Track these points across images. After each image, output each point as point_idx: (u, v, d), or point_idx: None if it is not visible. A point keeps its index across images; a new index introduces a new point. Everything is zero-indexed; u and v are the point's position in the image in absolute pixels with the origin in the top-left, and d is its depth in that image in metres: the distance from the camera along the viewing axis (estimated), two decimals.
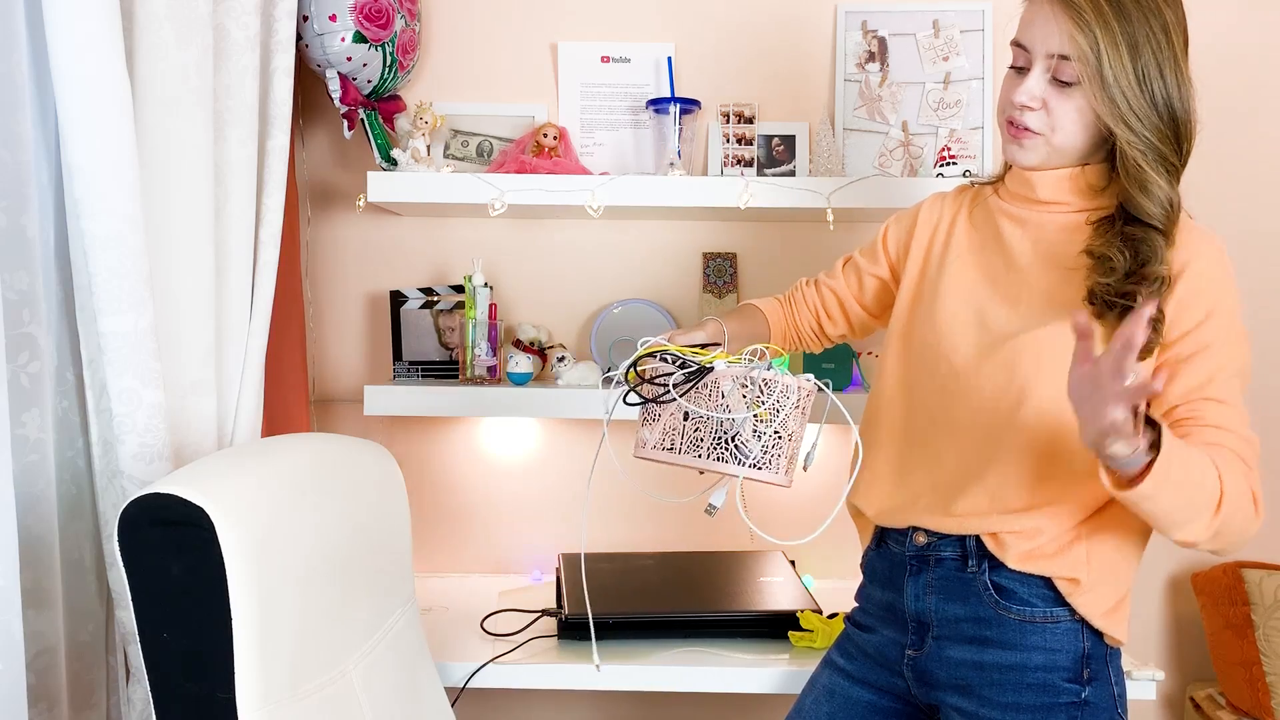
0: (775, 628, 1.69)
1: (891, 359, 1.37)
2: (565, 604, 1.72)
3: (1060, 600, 1.21)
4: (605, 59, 2.04)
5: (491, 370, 1.92)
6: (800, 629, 1.67)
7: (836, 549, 1.97)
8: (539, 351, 2.00)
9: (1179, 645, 2.10)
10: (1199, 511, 1.09)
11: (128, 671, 1.42)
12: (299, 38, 1.77)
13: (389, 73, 1.89)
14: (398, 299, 2.02)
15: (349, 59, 1.81)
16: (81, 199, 1.20)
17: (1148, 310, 0.97)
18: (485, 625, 1.77)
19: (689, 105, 1.90)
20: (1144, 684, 1.57)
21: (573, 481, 2.11)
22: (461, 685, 1.60)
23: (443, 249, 2.09)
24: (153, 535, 1.01)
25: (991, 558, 1.23)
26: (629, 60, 2.04)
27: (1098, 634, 1.23)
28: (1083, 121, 1.18)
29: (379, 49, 1.83)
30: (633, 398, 1.18)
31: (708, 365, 1.15)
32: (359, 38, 1.80)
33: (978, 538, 1.24)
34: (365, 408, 1.86)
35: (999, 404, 1.22)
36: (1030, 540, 1.21)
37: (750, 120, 2.01)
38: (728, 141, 2.00)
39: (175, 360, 1.38)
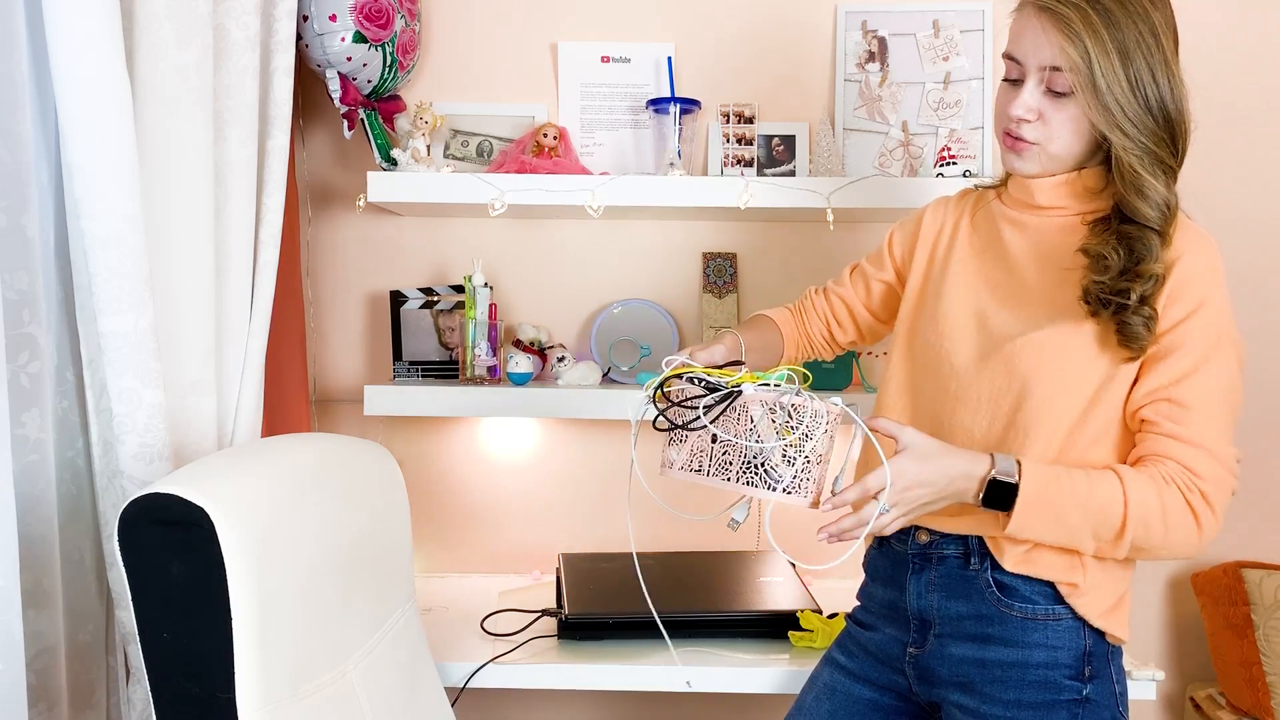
0: (775, 628, 1.69)
1: (896, 362, 1.37)
2: (565, 604, 1.72)
3: (1062, 598, 1.22)
4: (605, 59, 2.04)
5: (491, 370, 1.92)
6: (800, 629, 1.67)
7: (837, 548, 1.98)
8: (539, 351, 2.00)
9: (1179, 645, 2.10)
10: (1086, 538, 1.17)
11: (128, 671, 1.42)
12: (299, 38, 1.77)
13: (389, 73, 1.89)
14: (398, 299, 2.02)
15: (349, 59, 1.81)
16: (81, 199, 1.20)
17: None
18: (485, 625, 1.77)
19: (689, 105, 1.90)
20: (1144, 684, 1.57)
21: (573, 481, 2.11)
22: (461, 685, 1.60)
23: (443, 249, 2.09)
24: (153, 535, 1.01)
25: (993, 556, 1.24)
26: (629, 60, 2.04)
27: (1099, 632, 1.23)
28: (1078, 130, 1.19)
29: (379, 49, 1.83)
30: (663, 422, 1.18)
31: (736, 389, 1.15)
32: (359, 38, 1.80)
33: (980, 536, 1.24)
34: (365, 408, 1.86)
35: (999, 406, 1.22)
36: (1023, 544, 1.21)
37: (750, 120, 2.01)
38: (728, 141, 2.00)
39: (175, 360, 1.38)
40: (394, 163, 1.89)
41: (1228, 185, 2.02)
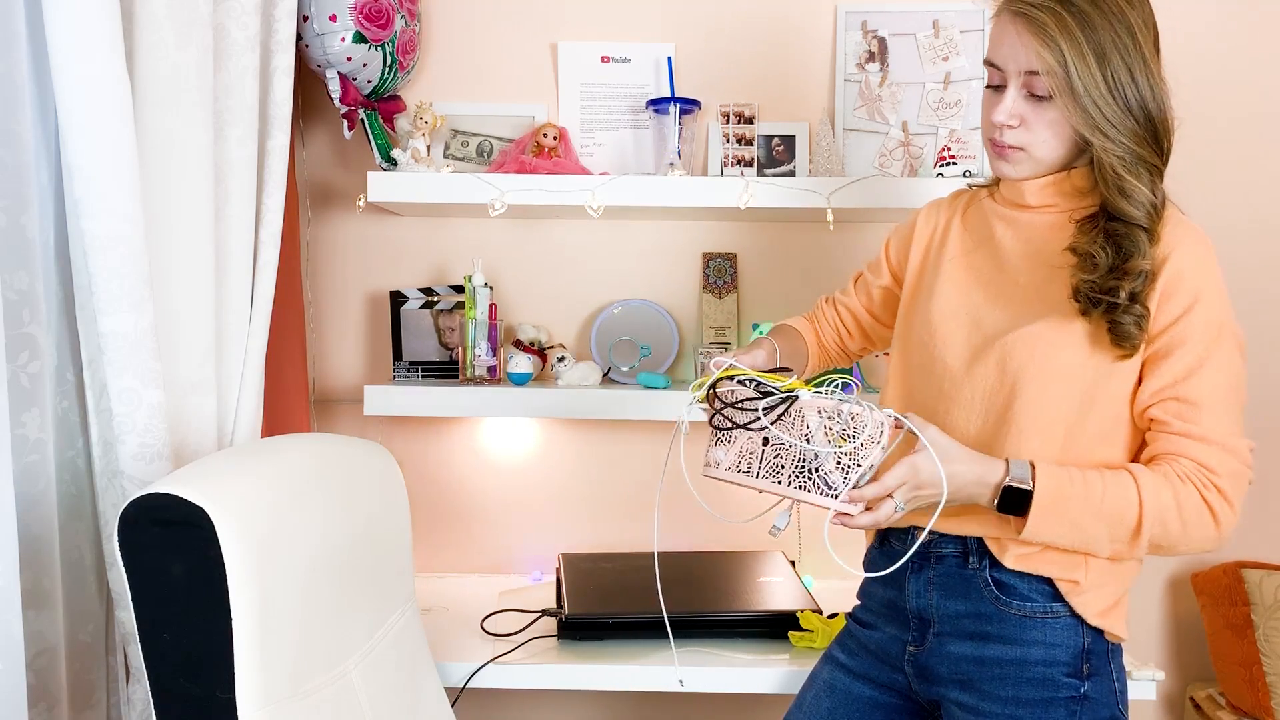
0: (775, 628, 1.69)
1: (894, 362, 1.38)
2: (565, 604, 1.72)
3: (1060, 596, 1.22)
4: (605, 59, 2.04)
5: (491, 370, 1.92)
6: (800, 629, 1.67)
7: (837, 549, 1.98)
8: (539, 351, 2.00)
9: (1179, 645, 2.10)
10: (1102, 540, 1.17)
11: (128, 671, 1.42)
12: (299, 38, 1.77)
13: (389, 73, 1.89)
14: (398, 299, 2.02)
15: (349, 59, 1.81)
16: (81, 199, 1.20)
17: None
18: (485, 625, 1.77)
19: (689, 105, 1.90)
20: (1144, 684, 1.57)
21: (573, 481, 2.11)
22: (461, 685, 1.60)
23: (443, 249, 2.09)
24: (153, 535, 1.01)
25: (992, 555, 1.24)
26: (629, 60, 2.04)
27: (1098, 630, 1.23)
28: (1061, 133, 1.19)
29: (379, 49, 1.83)
30: (721, 422, 1.18)
31: (793, 394, 1.15)
32: (359, 38, 1.80)
33: (979, 536, 1.25)
34: (365, 408, 1.86)
35: (991, 404, 1.23)
36: (1027, 544, 1.21)
37: (750, 120, 2.01)
38: (728, 141, 2.00)
39: (175, 360, 1.38)
40: (394, 163, 1.89)
41: (1228, 184, 2.02)
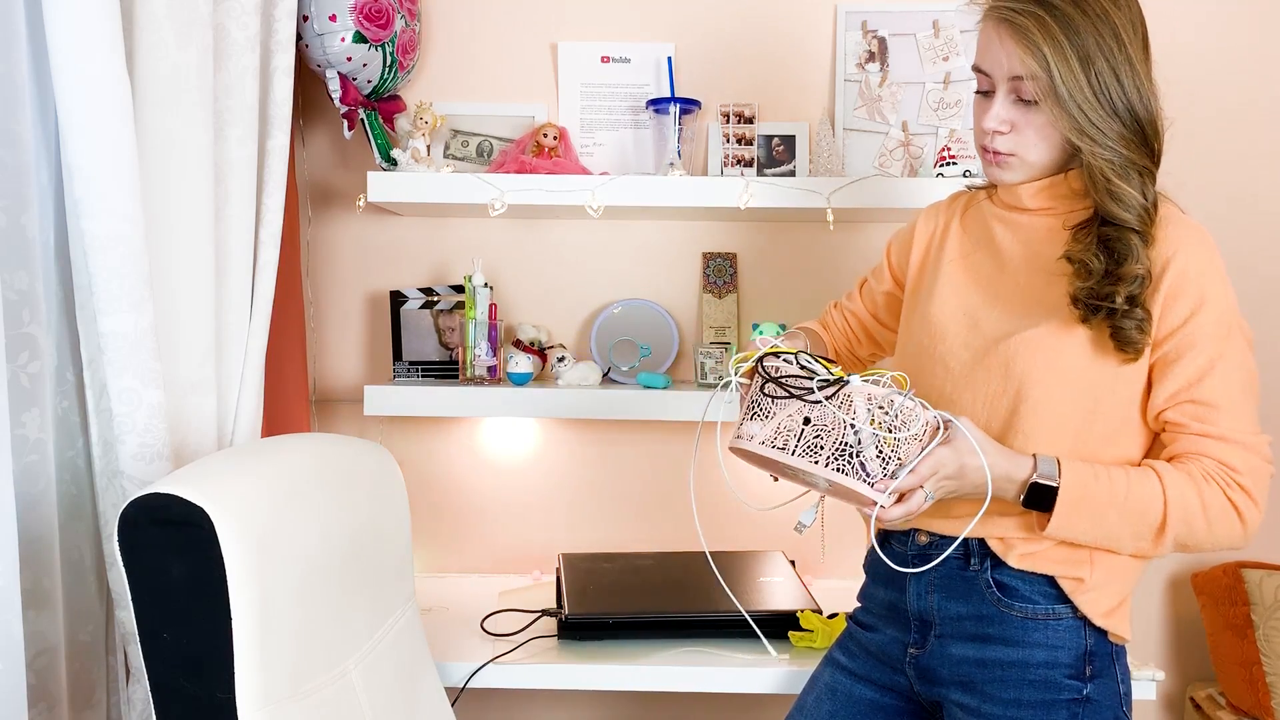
0: (775, 628, 1.69)
1: (897, 365, 1.37)
2: (565, 604, 1.72)
3: (1062, 597, 1.22)
4: (605, 59, 2.04)
5: (491, 370, 1.92)
6: (800, 629, 1.67)
7: (836, 548, 1.98)
8: (539, 351, 2.00)
9: (1179, 645, 2.10)
10: (1126, 537, 1.17)
11: (128, 671, 1.42)
12: (299, 38, 1.77)
13: (389, 73, 1.89)
14: (398, 299, 2.02)
15: (349, 59, 1.82)
16: (81, 199, 1.20)
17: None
18: (485, 625, 1.77)
19: (689, 105, 1.90)
20: (1144, 684, 1.57)
21: (573, 481, 2.11)
22: (461, 685, 1.60)
23: (443, 249, 2.09)
24: (153, 535, 1.01)
25: (993, 556, 1.24)
26: (629, 60, 2.04)
27: (1101, 631, 1.23)
28: (1050, 137, 1.19)
29: (379, 49, 1.83)
30: (773, 390, 1.16)
31: (845, 378, 1.14)
32: (359, 38, 1.80)
33: (980, 538, 1.24)
34: (365, 408, 1.86)
35: (996, 408, 1.22)
36: (1034, 543, 1.21)
37: (750, 120, 2.01)
38: (728, 141, 2.00)
39: (175, 360, 1.38)
40: (394, 163, 1.89)
41: (1228, 184, 2.02)
